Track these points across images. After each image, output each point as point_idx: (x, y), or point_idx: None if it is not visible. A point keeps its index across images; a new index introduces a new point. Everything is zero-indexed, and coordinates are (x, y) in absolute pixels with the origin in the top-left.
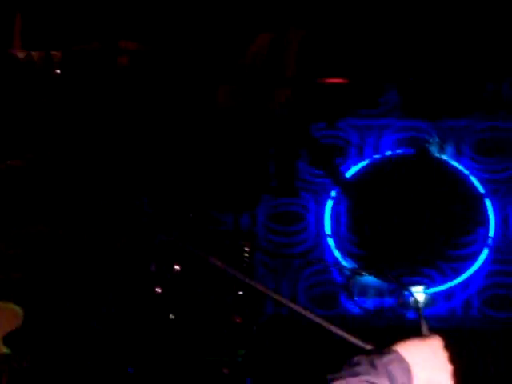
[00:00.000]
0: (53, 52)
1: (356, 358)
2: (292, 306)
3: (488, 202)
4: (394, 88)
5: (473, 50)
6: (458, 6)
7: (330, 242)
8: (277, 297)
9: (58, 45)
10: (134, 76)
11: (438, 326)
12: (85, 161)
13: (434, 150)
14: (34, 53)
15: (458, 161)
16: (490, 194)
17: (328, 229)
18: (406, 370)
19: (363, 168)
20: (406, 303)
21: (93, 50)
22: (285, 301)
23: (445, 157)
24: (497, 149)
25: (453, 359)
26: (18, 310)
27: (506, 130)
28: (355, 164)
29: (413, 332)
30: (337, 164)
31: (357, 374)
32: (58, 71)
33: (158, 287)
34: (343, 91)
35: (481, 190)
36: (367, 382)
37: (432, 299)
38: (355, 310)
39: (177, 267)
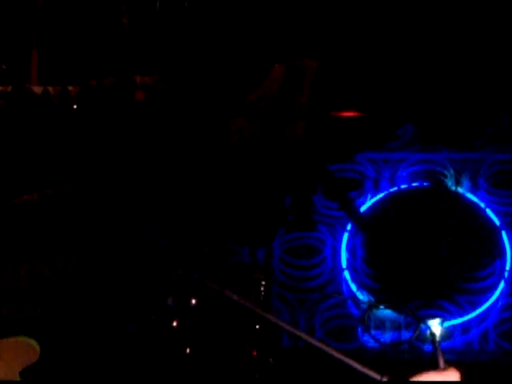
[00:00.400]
0: (69, 87)
1: None
2: (307, 339)
3: (504, 235)
4: (409, 121)
5: (489, 82)
6: (474, 39)
7: (347, 275)
8: (292, 330)
9: (74, 80)
10: (150, 111)
11: (454, 359)
12: (101, 195)
13: (450, 184)
14: (50, 88)
15: (473, 193)
16: (506, 226)
17: (344, 262)
18: None
19: (379, 201)
20: (422, 336)
21: (109, 85)
22: (300, 334)
23: (461, 190)
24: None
25: None
26: (35, 344)
27: None
28: (371, 197)
29: (430, 365)
30: (351, 198)
31: None
32: (75, 106)
33: (175, 321)
34: (359, 125)
35: (497, 222)
36: None
37: (449, 332)
38: (372, 343)
39: (193, 301)
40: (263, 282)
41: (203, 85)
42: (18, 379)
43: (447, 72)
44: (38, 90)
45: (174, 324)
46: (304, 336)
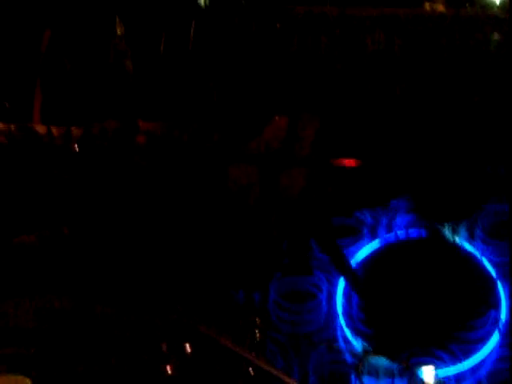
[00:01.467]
0: (73, 128)
1: None
2: None
3: (500, 286)
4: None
5: (485, 135)
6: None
7: (342, 321)
8: (284, 378)
9: (77, 122)
10: (150, 155)
11: None
12: (99, 238)
13: (447, 233)
14: (54, 128)
15: (470, 243)
16: (502, 277)
17: (339, 308)
18: None
19: (375, 248)
20: None
21: (112, 129)
22: (291, 382)
23: (457, 239)
24: (509, 232)
25: None
26: (28, 382)
27: None
28: (368, 244)
29: None
30: (343, 252)
31: None
32: (77, 148)
33: (168, 367)
34: (360, 178)
35: (493, 273)
36: None
37: (442, 381)
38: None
39: (187, 347)
40: (258, 326)
41: (204, 132)
42: None
43: (442, 128)
44: (41, 129)
45: (168, 369)
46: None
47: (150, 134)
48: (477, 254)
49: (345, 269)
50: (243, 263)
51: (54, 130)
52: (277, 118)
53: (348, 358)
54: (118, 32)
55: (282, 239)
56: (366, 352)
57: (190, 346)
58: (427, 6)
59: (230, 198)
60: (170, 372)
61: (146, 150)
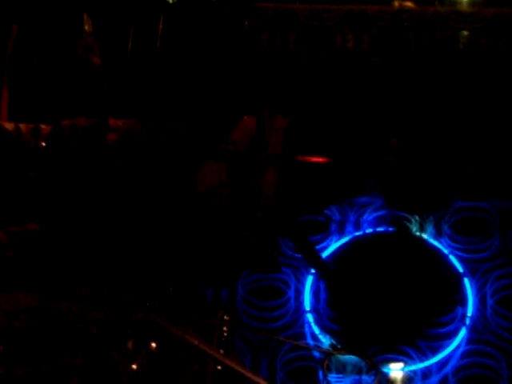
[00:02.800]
0: (42, 125)
1: None
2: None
3: (467, 282)
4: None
5: (455, 134)
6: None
7: (309, 317)
8: (251, 376)
9: (46, 118)
10: (120, 153)
11: None
12: (68, 233)
13: (415, 229)
14: (22, 125)
15: (438, 240)
16: (469, 273)
17: (307, 304)
18: None
19: (344, 244)
20: (383, 381)
21: (82, 126)
22: (259, 380)
23: (425, 236)
24: (476, 229)
25: None
26: None
27: (486, 210)
28: (336, 240)
29: None
30: (314, 247)
31: None
32: (44, 144)
33: (134, 364)
34: (328, 176)
35: (460, 269)
36: None
37: (409, 377)
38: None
39: (153, 344)
40: (226, 323)
41: (174, 131)
42: None
43: (415, 122)
44: (9, 126)
45: (134, 367)
46: (262, 383)
47: (120, 132)
48: (444, 250)
49: (317, 264)
50: (212, 260)
51: (23, 127)
52: (245, 118)
53: (316, 354)
54: (86, 28)
55: (251, 238)
56: (333, 349)
57: (157, 344)
58: (396, 3)
59: (199, 197)
60: (135, 369)
61: (117, 148)
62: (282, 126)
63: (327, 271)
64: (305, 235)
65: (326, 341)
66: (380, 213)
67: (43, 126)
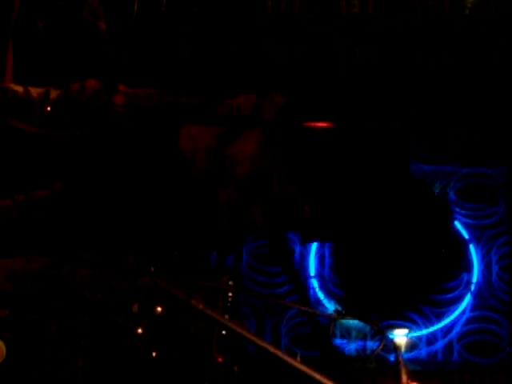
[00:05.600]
0: (52, 89)
1: None
2: (271, 349)
3: (472, 248)
4: None
5: (459, 100)
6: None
7: (314, 283)
8: (256, 340)
9: (52, 84)
10: (127, 117)
11: (419, 369)
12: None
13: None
14: (31, 88)
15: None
16: (474, 239)
17: (312, 270)
18: None
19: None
20: (387, 347)
21: (91, 88)
22: (264, 345)
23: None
24: (482, 195)
25: None
26: (1, 344)
27: (492, 177)
28: None
29: (393, 377)
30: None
31: None
32: (49, 109)
33: (139, 328)
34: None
35: (465, 235)
36: None
37: (414, 343)
38: (338, 351)
39: (159, 308)
40: (231, 288)
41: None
42: None
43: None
44: (19, 89)
45: (139, 331)
46: (268, 347)
47: (128, 95)
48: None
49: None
50: (216, 225)
51: (33, 90)
52: (243, 96)
53: (321, 320)
54: None
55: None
56: (338, 314)
57: (162, 308)
58: None
59: (182, 159)
60: (141, 333)
61: (123, 112)
62: (279, 105)
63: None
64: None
65: (330, 306)
66: None
67: (53, 90)
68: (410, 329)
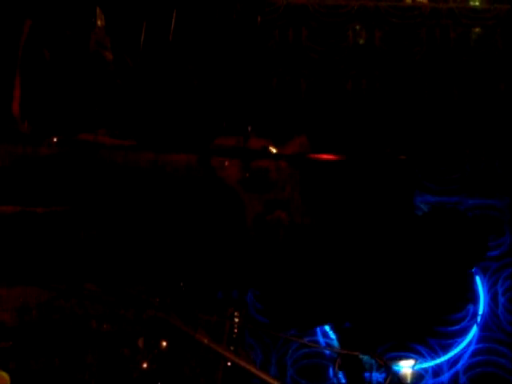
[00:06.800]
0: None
1: None
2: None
3: (478, 280)
4: None
5: (466, 131)
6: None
7: None
8: (260, 374)
9: (59, 114)
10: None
11: None
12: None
13: None
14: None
15: None
16: (480, 271)
17: None
18: None
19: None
20: (393, 379)
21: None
22: (268, 379)
23: None
24: (488, 227)
25: None
26: (5, 375)
27: (498, 208)
28: None
29: None
30: None
31: None
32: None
33: (144, 363)
34: None
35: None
36: None
37: (420, 375)
38: (343, 382)
39: (164, 343)
40: (236, 319)
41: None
42: None
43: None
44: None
45: (145, 366)
46: (272, 381)
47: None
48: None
49: None
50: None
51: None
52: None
53: (326, 351)
54: (99, 23)
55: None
56: (342, 347)
57: (167, 342)
58: None
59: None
60: (146, 367)
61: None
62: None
63: None
64: None
65: (336, 338)
66: None
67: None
68: (417, 360)
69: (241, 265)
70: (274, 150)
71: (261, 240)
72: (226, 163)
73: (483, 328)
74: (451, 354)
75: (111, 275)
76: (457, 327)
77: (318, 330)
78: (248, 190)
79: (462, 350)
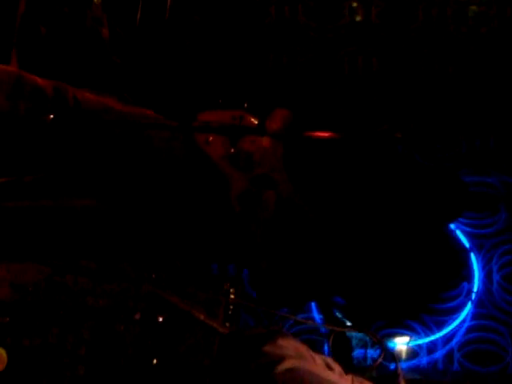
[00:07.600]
0: None
1: None
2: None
3: (473, 257)
4: None
5: (461, 108)
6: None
7: None
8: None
9: None
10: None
11: (418, 378)
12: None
13: None
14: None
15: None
16: (475, 248)
17: None
18: None
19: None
20: (387, 356)
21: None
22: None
23: None
24: (483, 204)
25: None
26: (2, 352)
27: (493, 185)
28: None
29: None
30: None
31: None
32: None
33: (140, 335)
34: None
35: (466, 244)
36: None
37: (414, 352)
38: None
39: (160, 318)
40: (232, 296)
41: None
42: None
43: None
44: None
45: (140, 338)
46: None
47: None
48: (451, 225)
49: None
50: (219, 236)
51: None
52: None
53: (322, 328)
54: (95, 0)
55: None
56: (338, 323)
57: (163, 317)
58: None
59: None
60: (142, 341)
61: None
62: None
63: None
64: None
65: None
66: None
67: None
68: (411, 337)
69: (228, 241)
70: (255, 122)
71: (247, 216)
72: (211, 138)
73: (478, 305)
74: (446, 330)
75: (105, 251)
76: (451, 304)
77: (313, 305)
78: (233, 165)
79: (456, 326)
